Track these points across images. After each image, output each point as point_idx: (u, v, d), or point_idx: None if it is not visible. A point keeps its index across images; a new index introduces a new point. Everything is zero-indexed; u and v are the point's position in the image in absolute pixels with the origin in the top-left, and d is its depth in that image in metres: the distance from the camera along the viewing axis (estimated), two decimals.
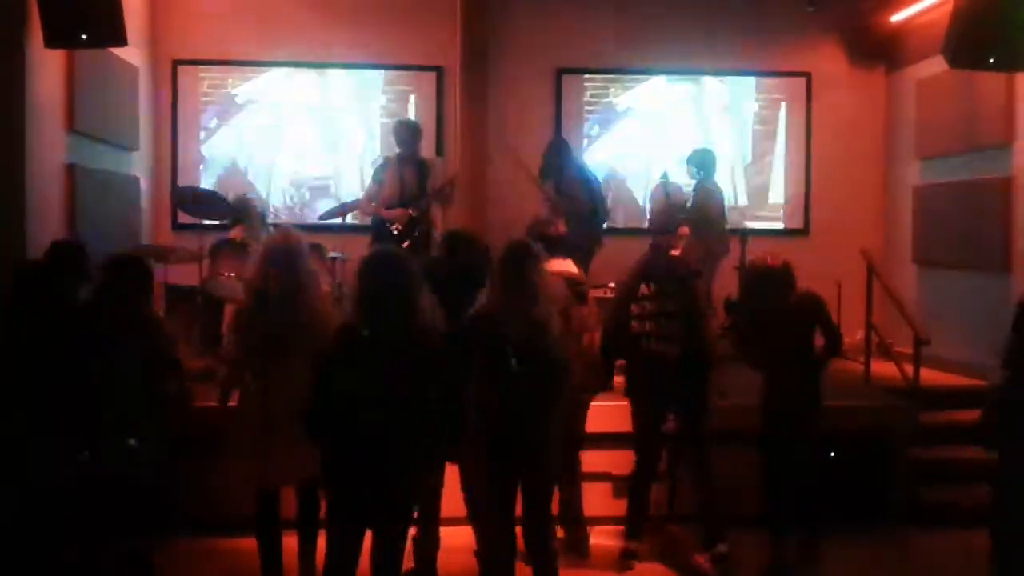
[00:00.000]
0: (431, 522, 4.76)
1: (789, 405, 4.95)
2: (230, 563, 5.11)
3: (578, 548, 5.16)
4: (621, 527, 5.31)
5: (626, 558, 5.15)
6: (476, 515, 4.68)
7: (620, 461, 5.70)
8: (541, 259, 4.32)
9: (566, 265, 5.07)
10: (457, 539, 4.94)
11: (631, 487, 5.23)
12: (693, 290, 5.15)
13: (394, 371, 3.58)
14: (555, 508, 4.98)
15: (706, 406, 5.17)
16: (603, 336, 5.12)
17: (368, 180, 7.46)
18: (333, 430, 3.61)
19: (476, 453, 4.19)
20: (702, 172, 7.59)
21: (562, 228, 5.30)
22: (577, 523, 5.20)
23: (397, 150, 7.19)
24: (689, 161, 7.70)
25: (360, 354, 3.60)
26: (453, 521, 4.91)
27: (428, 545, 4.74)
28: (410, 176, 7.06)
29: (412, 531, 4.19)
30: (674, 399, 5.11)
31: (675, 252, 5.23)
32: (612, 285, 7.00)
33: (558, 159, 7.25)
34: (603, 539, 5.29)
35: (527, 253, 4.25)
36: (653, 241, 5.34)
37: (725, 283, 7.24)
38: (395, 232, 6.92)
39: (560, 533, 5.05)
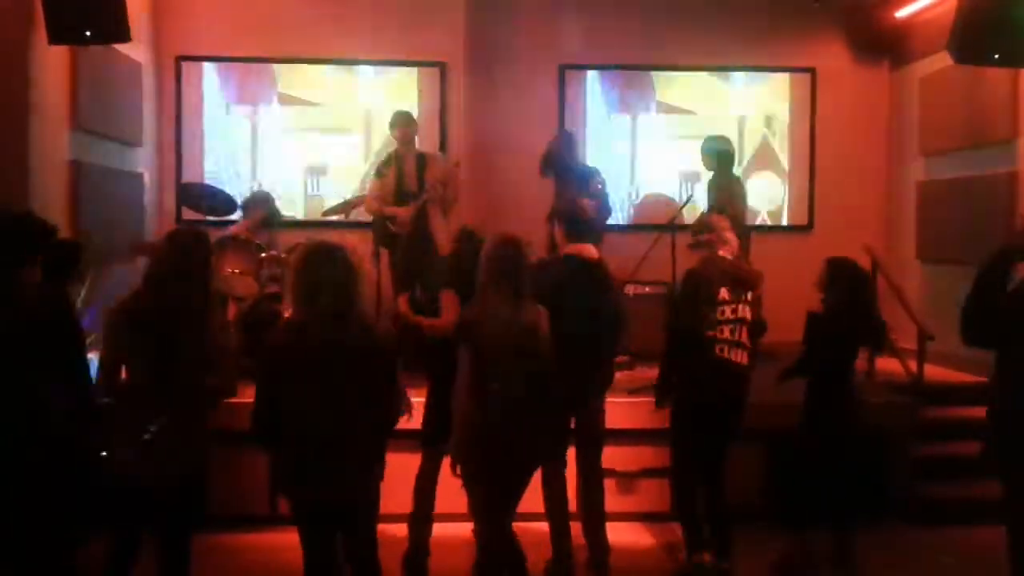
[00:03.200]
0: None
1: (841, 404, 4.95)
2: (233, 559, 5.12)
3: (599, 548, 4.91)
4: (626, 523, 5.25)
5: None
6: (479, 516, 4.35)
7: (624, 457, 5.71)
8: (529, 255, 4.15)
9: (589, 251, 4.81)
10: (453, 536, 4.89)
11: (678, 500, 5.00)
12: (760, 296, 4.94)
13: (333, 368, 3.47)
14: (572, 506, 4.90)
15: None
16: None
17: (371, 177, 7.46)
18: (281, 433, 3.50)
19: (476, 456, 4.05)
20: (719, 161, 7.30)
21: (591, 211, 5.16)
22: (598, 532, 4.93)
23: (397, 145, 7.20)
24: (707, 151, 7.35)
25: (301, 351, 3.49)
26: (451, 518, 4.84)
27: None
28: (409, 170, 7.07)
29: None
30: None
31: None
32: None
33: (567, 152, 7.26)
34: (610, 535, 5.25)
35: (517, 251, 4.07)
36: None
37: None
38: (393, 228, 6.93)
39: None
